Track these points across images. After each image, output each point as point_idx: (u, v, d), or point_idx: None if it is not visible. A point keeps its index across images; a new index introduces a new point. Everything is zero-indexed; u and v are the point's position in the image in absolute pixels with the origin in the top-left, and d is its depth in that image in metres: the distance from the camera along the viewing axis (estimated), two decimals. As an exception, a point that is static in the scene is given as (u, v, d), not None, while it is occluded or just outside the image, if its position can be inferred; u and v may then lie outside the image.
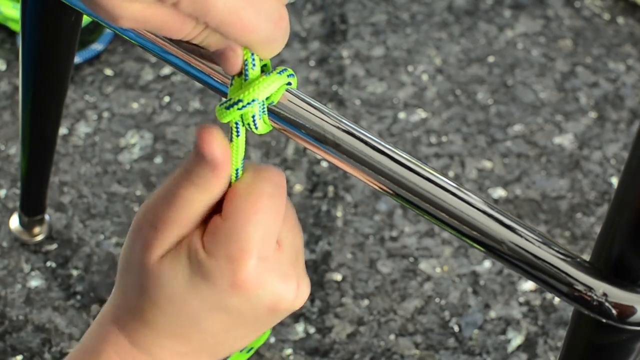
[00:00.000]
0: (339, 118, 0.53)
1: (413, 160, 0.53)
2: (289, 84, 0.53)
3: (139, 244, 0.54)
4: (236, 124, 0.52)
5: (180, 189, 0.52)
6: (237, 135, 0.53)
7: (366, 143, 0.53)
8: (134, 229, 0.55)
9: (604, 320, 0.50)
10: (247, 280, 0.52)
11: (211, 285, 0.52)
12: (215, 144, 0.51)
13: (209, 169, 0.52)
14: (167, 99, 1.35)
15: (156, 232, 0.53)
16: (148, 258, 0.53)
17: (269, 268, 0.52)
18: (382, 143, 0.53)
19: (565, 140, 1.34)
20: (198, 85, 1.37)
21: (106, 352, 0.56)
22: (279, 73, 0.52)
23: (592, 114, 1.37)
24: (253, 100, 0.51)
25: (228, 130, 0.53)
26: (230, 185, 0.53)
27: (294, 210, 0.57)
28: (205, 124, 0.52)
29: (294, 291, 0.54)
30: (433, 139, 1.32)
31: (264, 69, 0.53)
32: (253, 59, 0.51)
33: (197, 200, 0.53)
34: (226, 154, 0.52)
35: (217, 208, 0.54)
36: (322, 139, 0.53)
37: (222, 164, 0.52)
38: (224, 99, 0.53)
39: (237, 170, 0.53)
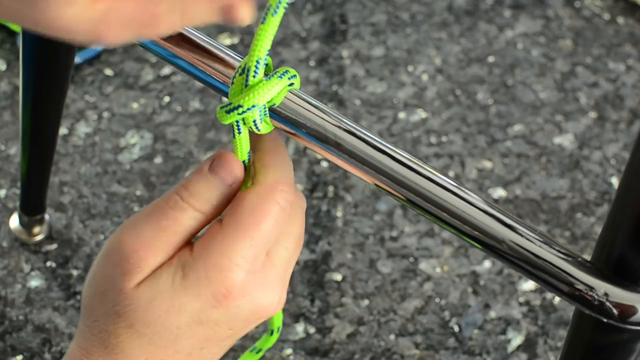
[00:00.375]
0: (339, 117, 0.53)
1: (414, 160, 0.53)
2: (291, 84, 0.53)
3: (117, 269, 0.52)
4: (237, 121, 0.52)
5: (173, 210, 0.52)
6: (239, 133, 0.52)
7: (367, 142, 0.53)
8: (111, 253, 0.53)
9: (605, 320, 0.50)
10: (232, 291, 0.51)
11: (194, 294, 0.51)
12: (234, 164, 0.52)
13: (223, 191, 0.51)
14: (167, 99, 1.35)
15: (139, 258, 0.51)
16: (127, 283, 0.52)
17: (255, 281, 0.52)
18: (383, 142, 0.53)
19: (565, 140, 1.34)
20: (198, 85, 1.36)
21: None
22: (280, 77, 0.51)
23: (592, 114, 1.37)
24: (253, 106, 0.51)
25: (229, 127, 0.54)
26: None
27: (303, 226, 0.56)
28: (220, 150, 0.53)
29: (275, 304, 0.54)
30: (433, 139, 1.32)
31: (266, 70, 0.53)
32: (257, 64, 0.51)
33: (194, 226, 0.52)
34: (240, 175, 0.52)
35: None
36: (323, 139, 0.53)
37: (241, 183, 0.52)
38: (225, 100, 0.53)
39: (243, 162, 0.53)
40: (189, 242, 0.53)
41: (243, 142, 0.53)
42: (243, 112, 0.51)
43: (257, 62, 0.51)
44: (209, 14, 0.45)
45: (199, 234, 0.53)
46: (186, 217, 0.52)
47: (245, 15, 0.45)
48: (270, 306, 0.54)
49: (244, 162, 0.53)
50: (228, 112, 0.51)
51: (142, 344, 0.53)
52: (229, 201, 0.52)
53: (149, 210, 0.52)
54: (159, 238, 0.52)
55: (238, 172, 0.52)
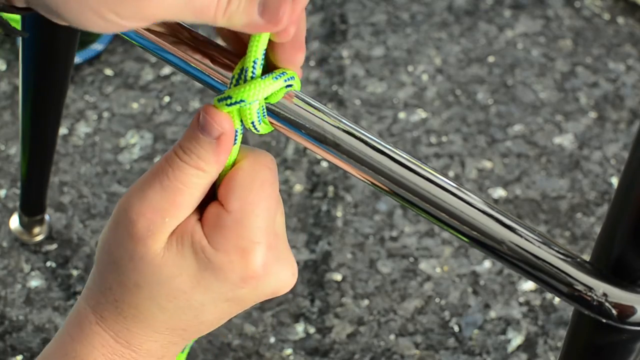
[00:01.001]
0: (338, 118, 0.53)
1: (413, 160, 0.53)
2: (289, 86, 0.53)
3: (128, 236, 0.52)
4: (235, 131, 0.53)
5: (173, 170, 0.51)
6: (234, 143, 0.53)
7: (366, 143, 0.53)
8: (119, 220, 0.53)
9: (604, 320, 0.50)
10: (257, 272, 0.52)
11: (221, 279, 0.52)
12: (224, 120, 0.51)
13: (211, 145, 0.51)
14: (167, 99, 1.35)
15: (147, 221, 0.51)
16: (148, 252, 0.51)
17: (275, 256, 0.53)
18: (382, 143, 0.53)
19: (565, 140, 1.34)
20: (198, 85, 1.37)
21: (93, 356, 0.54)
22: (275, 77, 0.52)
23: (592, 114, 1.37)
24: (242, 100, 0.51)
25: None
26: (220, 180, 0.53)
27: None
28: (205, 105, 0.52)
29: (294, 274, 0.54)
30: (433, 139, 1.32)
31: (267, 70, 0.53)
32: (254, 64, 0.51)
33: (197, 184, 0.52)
34: (233, 128, 0.52)
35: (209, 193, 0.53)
36: (322, 139, 0.53)
37: (229, 138, 0.52)
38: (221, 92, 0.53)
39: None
40: (198, 212, 0.53)
41: (232, 156, 0.53)
42: (231, 103, 0.51)
43: (254, 62, 0.51)
44: (248, 10, 0.47)
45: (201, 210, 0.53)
46: (187, 175, 0.51)
47: (285, 15, 0.48)
48: (292, 278, 0.54)
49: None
50: (219, 100, 0.52)
51: (164, 316, 0.53)
52: (225, 154, 0.52)
53: (151, 172, 0.52)
54: (164, 198, 0.51)
55: (225, 124, 0.52)
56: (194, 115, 0.52)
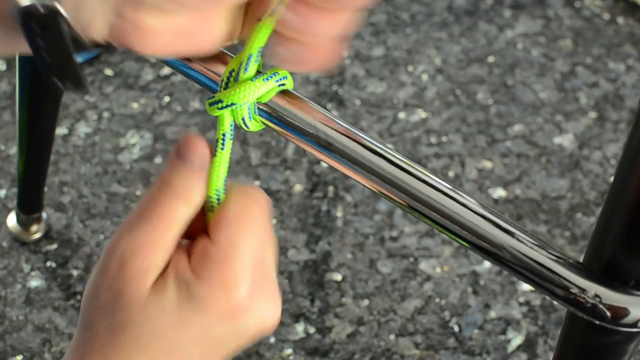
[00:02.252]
0: (331, 117, 0.53)
1: (405, 160, 0.53)
2: (282, 85, 0.53)
3: (125, 278, 0.51)
4: (223, 136, 0.52)
5: (160, 206, 0.52)
6: (222, 149, 0.52)
7: (359, 142, 0.52)
8: (109, 265, 0.52)
9: (597, 322, 0.50)
10: (240, 306, 0.51)
11: (201, 313, 0.51)
12: (199, 144, 0.51)
13: (190, 173, 0.51)
14: (167, 99, 1.36)
15: (142, 259, 0.51)
16: (139, 290, 0.51)
17: (259, 292, 0.52)
18: (375, 142, 0.53)
19: (565, 140, 1.34)
20: (198, 85, 1.37)
21: None
22: (266, 79, 0.52)
23: (592, 114, 1.37)
24: (233, 104, 0.51)
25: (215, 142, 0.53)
26: (212, 207, 0.53)
27: (273, 229, 0.57)
28: (184, 135, 0.53)
29: (278, 314, 0.54)
30: (433, 139, 1.32)
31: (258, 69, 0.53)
32: (248, 62, 0.51)
33: (180, 216, 0.52)
34: (207, 156, 0.52)
35: (196, 228, 0.54)
36: (314, 138, 0.53)
37: (205, 165, 0.52)
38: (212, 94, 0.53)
39: (217, 190, 0.53)
40: (184, 247, 0.53)
41: (223, 162, 0.53)
42: (222, 107, 0.51)
43: (249, 57, 0.51)
44: None
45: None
46: (174, 211, 0.52)
47: None
48: (274, 317, 0.54)
49: (217, 190, 0.53)
50: (211, 104, 0.52)
51: (147, 358, 0.52)
52: (205, 177, 0.52)
53: (138, 213, 0.52)
54: (156, 237, 0.51)
55: (204, 152, 0.52)
56: (173, 150, 0.53)
